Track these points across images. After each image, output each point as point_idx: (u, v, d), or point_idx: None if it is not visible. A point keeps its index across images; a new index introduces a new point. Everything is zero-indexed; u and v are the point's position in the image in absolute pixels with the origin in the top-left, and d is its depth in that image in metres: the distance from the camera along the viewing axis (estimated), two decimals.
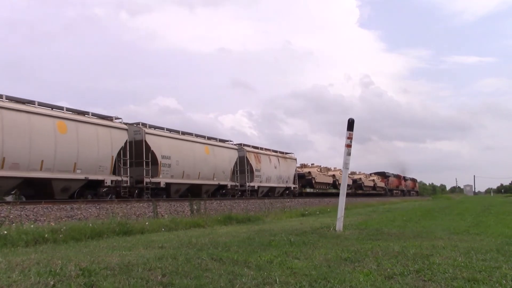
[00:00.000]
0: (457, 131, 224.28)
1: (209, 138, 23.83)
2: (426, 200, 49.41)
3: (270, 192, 29.49)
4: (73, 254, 5.33)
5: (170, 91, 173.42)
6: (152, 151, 18.66)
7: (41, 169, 13.93)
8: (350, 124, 8.40)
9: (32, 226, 8.67)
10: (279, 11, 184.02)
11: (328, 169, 41.35)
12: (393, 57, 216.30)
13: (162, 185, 19.16)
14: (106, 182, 16.34)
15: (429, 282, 3.65)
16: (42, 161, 13.91)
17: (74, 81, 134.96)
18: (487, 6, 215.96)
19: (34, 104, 14.59)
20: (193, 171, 21.15)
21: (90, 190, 16.19)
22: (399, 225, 9.74)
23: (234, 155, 25.08)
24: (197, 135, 22.80)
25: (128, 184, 17.43)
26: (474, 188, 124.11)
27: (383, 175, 56.31)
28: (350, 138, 8.41)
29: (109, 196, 16.34)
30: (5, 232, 7.50)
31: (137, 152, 18.26)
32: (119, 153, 17.11)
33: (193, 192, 21.15)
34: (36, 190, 14.47)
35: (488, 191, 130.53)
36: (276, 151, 31.15)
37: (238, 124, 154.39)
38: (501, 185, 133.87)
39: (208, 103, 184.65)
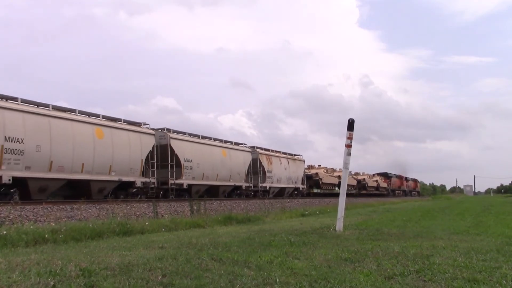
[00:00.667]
0: (457, 131, 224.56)
1: (225, 142, 25.19)
2: (426, 200, 49.43)
3: (281, 192, 30.51)
4: (73, 255, 5.33)
5: (169, 91, 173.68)
6: (176, 154, 20.17)
7: (82, 172, 15.50)
8: (350, 124, 8.40)
9: (32, 226, 8.67)
10: (278, 11, 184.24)
11: (334, 170, 42.67)
12: (393, 57, 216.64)
13: (185, 186, 20.64)
14: (136, 184, 17.79)
15: (429, 282, 3.65)
16: (83, 164, 15.47)
17: (73, 81, 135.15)
18: (487, 6, 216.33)
19: (75, 112, 16.22)
20: (211, 173, 22.73)
21: (122, 191, 17.50)
22: (399, 225, 9.74)
23: (248, 157, 26.58)
24: (215, 139, 24.31)
25: (155, 185, 18.80)
26: (474, 188, 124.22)
27: (385, 175, 57.52)
28: (350, 138, 8.41)
29: (139, 196, 17.71)
30: (5, 232, 7.51)
31: (162, 155, 19.69)
32: (147, 157, 18.58)
33: (211, 192, 22.70)
34: (76, 191, 15.69)
35: (488, 191, 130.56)
36: (285, 153, 32.34)
37: (238, 124, 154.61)
38: (501, 185, 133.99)
39: (207, 103, 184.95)
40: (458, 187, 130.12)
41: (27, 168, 13.64)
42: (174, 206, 16.32)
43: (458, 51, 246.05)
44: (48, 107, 15.16)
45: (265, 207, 19.83)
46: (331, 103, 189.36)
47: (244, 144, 27.57)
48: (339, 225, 8.22)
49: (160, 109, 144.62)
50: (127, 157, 17.47)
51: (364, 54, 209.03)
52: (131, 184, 17.21)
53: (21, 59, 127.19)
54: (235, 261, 4.57)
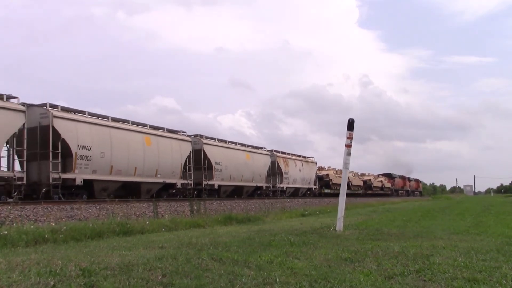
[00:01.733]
0: (457, 131, 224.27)
1: (248, 146, 27.77)
2: (426, 200, 49.48)
3: (295, 192, 32.71)
4: (73, 254, 5.34)
5: (169, 91, 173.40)
6: (208, 158, 22.62)
7: (134, 175, 17.77)
8: (350, 124, 8.40)
9: (32, 226, 8.68)
10: (278, 11, 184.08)
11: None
12: (392, 57, 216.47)
13: (215, 186, 23.11)
14: (177, 185, 20.09)
15: (429, 282, 3.65)
16: (135, 168, 17.73)
17: (73, 81, 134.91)
18: (487, 6, 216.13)
19: (128, 123, 18.61)
20: (237, 174, 25.15)
21: (164, 191, 19.60)
22: (399, 225, 9.74)
23: (268, 160, 29.04)
24: (239, 144, 26.81)
25: (192, 186, 21.02)
26: (474, 188, 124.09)
27: (389, 176, 59.12)
28: (350, 138, 8.41)
29: (178, 196, 19.80)
30: (5, 232, 7.51)
31: (196, 159, 22.04)
32: (185, 161, 20.91)
33: (236, 192, 25.14)
34: (128, 192, 17.65)
35: (488, 191, 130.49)
36: (299, 156, 34.55)
37: (237, 124, 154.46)
38: (501, 185, 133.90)
39: (206, 103, 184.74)
40: (458, 187, 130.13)
41: (94, 171, 15.90)
42: (174, 206, 16.32)
43: (458, 51, 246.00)
44: (108, 119, 17.56)
45: (265, 207, 19.83)
46: (331, 103, 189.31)
47: (264, 148, 30.03)
48: (339, 225, 8.22)
49: (159, 109, 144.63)
50: (169, 161, 19.89)
51: (364, 54, 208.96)
52: (172, 185, 19.32)
53: (21, 59, 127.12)
54: (235, 261, 4.57)
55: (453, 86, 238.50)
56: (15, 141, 14.10)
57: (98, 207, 13.59)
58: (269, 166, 28.78)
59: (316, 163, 37.29)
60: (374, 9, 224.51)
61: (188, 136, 21.59)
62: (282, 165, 30.37)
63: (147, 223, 10.32)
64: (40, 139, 14.87)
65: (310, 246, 5.82)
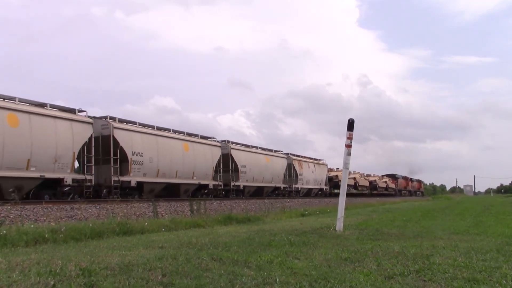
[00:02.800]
0: (457, 131, 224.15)
1: (267, 150, 30.30)
2: (426, 200, 49.52)
3: (308, 192, 35.18)
4: (73, 254, 5.33)
5: (168, 91, 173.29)
6: (235, 162, 25.31)
7: (175, 177, 20.17)
8: (350, 124, 8.39)
9: (32, 226, 8.68)
10: (277, 10, 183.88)
11: (350, 172, 45.21)
12: (392, 57, 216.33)
13: (241, 187, 25.95)
14: (209, 186, 22.84)
15: (429, 282, 3.65)
16: (176, 171, 20.15)
17: (71, 81, 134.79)
18: (487, 6, 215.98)
19: (170, 131, 21.29)
20: (259, 176, 27.83)
21: (198, 191, 21.93)
22: (399, 225, 9.75)
23: (285, 163, 31.55)
24: (260, 148, 29.26)
25: (221, 187, 23.61)
26: (474, 188, 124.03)
27: (393, 177, 61.32)
28: (350, 138, 8.41)
29: (210, 196, 21.84)
30: (5, 232, 7.51)
31: (224, 162, 24.44)
32: (216, 164, 23.59)
33: (258, 193, 27.59)
34: (168, 192, 19.90)
35: (488, 191, 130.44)
36: (312, 158, 37.14)
37: (236, 124, 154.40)
38: (501, 185, 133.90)
39: (206, 103, 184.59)
40: (458, 187, 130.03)
41: (144, 174, 18.23)
42: (174, 206, 16.32)
43: (458, 51, 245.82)
44: (153, 128, 20.06)
45: (265, 207, 19.82)
46: (330, 102, 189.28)
47: (281, 151, 32.53)
48: (339, 225, 8.22)
49: (158, 109, 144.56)
50: (204, 165, 22.56)
51: (363, 54, 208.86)
52: (205, 186, 21.70)
53: (20, 59, 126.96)
54: (235, 261, 4.57)
55: (453, 86, 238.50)
56: (85, 149, 16.47)
57: (98, 207, 13.60)
58: (286, 168, 31.30)
59: (327, 165, 39.73)
60: (374, 9, 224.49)
61: (218, 141, 24.06)
62: (297, 167, 32.75)
63: (146, 223, 10.32)
64: (102, 147, 17.43)
65: (310, 246, 5.82)
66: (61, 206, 12.85)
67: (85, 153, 16.42)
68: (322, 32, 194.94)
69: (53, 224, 9.41)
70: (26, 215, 11.22)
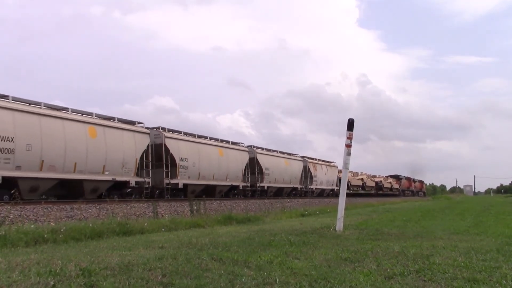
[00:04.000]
0: (457, 131, 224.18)
1: (285, 153, 32.91)
2: (426, 200, 49.58)
3: (321, 192, 37.88)
4: (73, 254, 5.33)
5: (167, 91, 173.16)
6: (260, 165, 28.24)
7: (213, 179, 22.83)
8: (350, 124, 8.39)
9: (32, 226, 8.67)
10: (276, 10, 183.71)
11: (357, 174, 50.24)
12: (392, 57, 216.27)
13: (265, 188, 28.77)
14: (240, 187, 25.63)
15: (429, 282, 3.65)
16: (214, 174, 22.72)
17: (69, 81, 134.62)
18: (487, 6, 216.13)
19: (207, 138, 23.98)
20: (280, 177, 30.62)
21: (230, 191, 24.68)
22: (399, 225, 9.74)
23: (301, 165, 34.22)
24: (280, 152, 32.04)
25: (249, 187, 26.59)
26: (474, 188, 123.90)
27: (397, 177, 63.98)
28: (350, 138, 8.40)
29: (239, 196, 24.86)
30: (5, 232, 7.51)
31: (251, 166, 27.36)
32: (245, 167, 26.36)
33: (278, 193, 30.52)
34: (207, 192, 21.80)
35: (488, 191, 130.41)
36: (324, 161, 39.77)
37: (236, 124, 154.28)
38: (501, 185, 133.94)
39: (205, 102, 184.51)
40: (458, 187, 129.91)
41: (189, 177, 20.67)
42: (174, 206, 16.33)
43: (458, 51, 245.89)
44: (194, 136, 22.77)
45: (265, 207, 19.82)
46: (330, 102, 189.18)
47: (297, 154, 35.25)
48: (339, 225, 8.22)
49: (157, 108, 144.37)
50: (235, 168, 25.46)
51: (363, 53, 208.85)
52: (236, 187, 24.13)
53: (18, 59, 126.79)
54: (235, 261, 4.57)
55: (453, 86, 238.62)
56: (144, 156, 19.07)
57: (98, 207, 13.59)
58: (302, 170, 34.09)
59: (337, 167, 42.25)
60: (374, 8, 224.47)
61: (245, 147, 26.55)
62: (312, 169, 35.53)
63: (146, 223, 10.31)
64: (155, 153, 19.94)
65: (310, 246, 5.82)
66: (61, 206, 12.85)
67: (144, 159, 19.09)
68: (321, 32, 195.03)
69: (53, 224, 9.40)
70: (26, 215, 11.22)
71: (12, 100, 14.23)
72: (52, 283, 3.47)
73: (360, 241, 6.50)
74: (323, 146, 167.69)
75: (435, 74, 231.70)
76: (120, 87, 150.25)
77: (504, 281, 3.64)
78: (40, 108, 15.10)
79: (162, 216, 13.91)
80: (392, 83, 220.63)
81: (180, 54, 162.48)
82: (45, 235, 7.74)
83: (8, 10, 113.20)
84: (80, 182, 15.84)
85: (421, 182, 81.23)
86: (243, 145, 27.29)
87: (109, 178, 16.93)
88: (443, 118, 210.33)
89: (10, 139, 13.45)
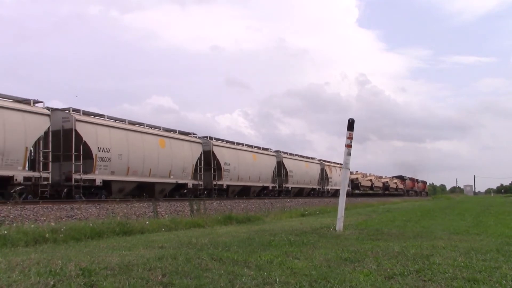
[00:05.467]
0: (457, 131, 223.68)
1: (306, 157, 35.86)
2: (426, 200, 49.69)
3: (335, 193, 38.42)
4: (73, 254, 5.34)
5: (165, 90, 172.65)
6: (285, 168, 30.78)
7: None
8: (350, 124, 8.39)
9: (32, 226, 8.68)
10: (275, 9, 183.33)
11: (366, 175, 52.86)
12: (392, 57, 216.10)
13: (290, 188, 31.35)
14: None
15: (429, 282, 3.65)
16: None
17: (67, 81, 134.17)
18: (486, 6, 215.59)
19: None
20: (301, 179, 33.39)
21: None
22: (399, 225, 9.74)
23: (319, 168, 37.16)
24: (301, 156, 34.48)
25: (277, 188, 29.82)
26: (474, 188, 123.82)
27: (401, 178, 66.54)
28: (350, 138, 8.41)
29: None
30: (5, 232, 7.51)
31: (278, 169, 30.12)
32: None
33: (300, 193, 33.23)
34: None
35: (488, 191, 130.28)
36: (338, 163, 41.19)
37: (235, 123, 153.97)
38: (501, 185, 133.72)
39: (204, 102, 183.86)
40: (458, 187, 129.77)
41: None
42: (174, 206, 16.33)
43: (457, 51, 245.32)
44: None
45: (265, 207, 19.83)
46: (329, 102, 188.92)
47: (315, 158, 38.31)
48: (339, 225, 8.22)
49: (156, 108, 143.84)
50: (266, 171, 28.29)
51: (363, 53, 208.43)
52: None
53: (14, 57, 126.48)
54: (235, 261, 4.58)
55: (452, 86, 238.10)
56: (198, 162, 22.04)
57: (98, 207, 13.59)
58: (320, 173, 36.98)
59: (349, 169, 43.21)
60: (374, 8, 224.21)
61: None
62: (327, 171, 38.60)
63: (147, 223, 10.32)
64: (204, 159, 22.43)
65: (310, 246, 5.82)
66: (61, 206, 12.84)
67: (198, 165, 21.96)
68: (321, 31, 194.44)
69: (53, 224, 9.40)
70: (26, 215, 11.22)
71: (107, 118, 17.84)
72: (52, 283, 3.47)
73: (360, 241, 6.50)
74: (323, 146, 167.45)
75: (435, 74, 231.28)
76: (118, 86, 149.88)
77: (504, 281, 3.64)
78: (126, 124, 18.56)
79: (162, 216, 13.92)
80: (392, 83, 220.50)
81: (178, 53, 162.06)
82: (45, 235, 7.74)
83: (6, 9, 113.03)
84: (153, 184, 19.17)
85: (424, 182, 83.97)
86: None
87: (173, 181, 20.41)
88: (443, 118, 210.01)
89: (108, 150, 16.73)
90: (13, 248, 6.80)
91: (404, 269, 4.09)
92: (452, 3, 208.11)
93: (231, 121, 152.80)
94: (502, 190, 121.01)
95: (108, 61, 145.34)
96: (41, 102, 15.37)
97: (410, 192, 68.95)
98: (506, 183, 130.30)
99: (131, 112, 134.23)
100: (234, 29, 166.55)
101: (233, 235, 7.75)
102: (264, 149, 29.41)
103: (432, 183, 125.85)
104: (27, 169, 14.12)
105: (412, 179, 72.23)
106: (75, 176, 15.20)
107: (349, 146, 8.42)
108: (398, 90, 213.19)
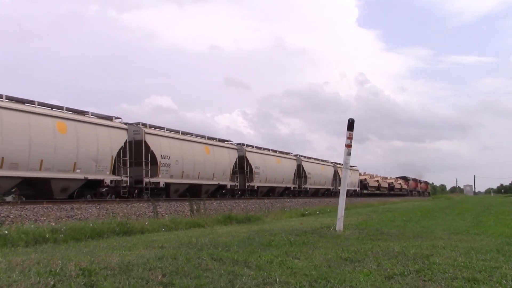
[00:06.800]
0: (457, 131, 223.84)
1: (320, 160, 38.68)
2: (426, 200, 49.71)
3: (347, 192, 39.23)
4: (73, 254, 5.34)
5: (164, 90, 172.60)
6: (304, 170, 33.28)
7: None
8: (350, 124, 8.39)
9: (32, 226, 8.67)
10: (274, 9, 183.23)
11: (373, 176, 56.21)
12: (391, 57, 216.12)
13: (308, 188, 34.07)
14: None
15: (429, 282, 3.65)
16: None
17: (67, 80, 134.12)
18: (486, 6, 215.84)
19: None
20: (317, 180, 36.04)
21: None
22: (399, 225, 9.75)
23: (332, 170, 39.83)
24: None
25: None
26: (474, 188, 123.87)
27: (405, 179, 69.69)
28: (350, 138, 8.41)
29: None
30: (5, 232, 7.51)
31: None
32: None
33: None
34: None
35: (488, 191, 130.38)
36: (350, 166, 42.08)
37: (234, 123, 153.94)
38: (501, 185, 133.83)
39: (203, 102, 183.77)
40: (458, 187, 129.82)
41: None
42: (174, 205, 16.32)
43: (457, 51, 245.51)
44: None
45: (265, 207, 19.83)
46: (328, 102, 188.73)
47: (329, 160, 40.74)
48: (339, 225, 8.22)
49: (155, 108, 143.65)
50: (288, 172, 31.01)
51: (362, 53, 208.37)
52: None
53: (14, 57, 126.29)
54: (235, 260, 4.58)
55: (452, 86, 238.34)
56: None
57: (98, 207, 13.59)
58: (333, 174, 39.80)
59: (358, 170, 47.50)
60: (373, 8, 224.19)
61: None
62: (339, 173, 39.63)
63: (147, 223, 10.32)
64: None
65: (310, 246, 5.82)
66: (61, 206, 12.84)
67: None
68: (320, 31, 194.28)
69: (53, 224, 9.40)
70: (26, 215, 11.21)
71: (166, 129, 20.59)
72: (52, 283, 3.47)
73: (360, 241, 6.50)
74: (322, 145, 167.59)
75: (435, 74, 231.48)
76: (117, 86, 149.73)
77: (504, 281, 3.64)
78: (180, 134, 21.35)
79: (162, 216, 13.92)
80: (392, 83, 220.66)
81: (177, 53, 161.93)
82: (46, 235, 7.74)
83: (4, 9, 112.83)
84: (200, 185, 21.99)
85: (426, 183, 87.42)
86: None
87: (216, 182, 23.11)
88: (443, 118, 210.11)
89: (168, 157, 19.49)
90: (13, 248, 6.80)
91: (404, 269, 4.09)
92: (452, 3, 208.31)
93: (230, 121, 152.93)
94: (502, 190, 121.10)
95: (107, 61, 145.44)
96: (120, 118, 18.35)
97: (413, 192, 71.99)
98: (506, 183, 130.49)
99: (131, 112, 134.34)
100: (233, 29, 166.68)
101: (233, 235, 7.75)
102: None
103: (432, 183, 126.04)
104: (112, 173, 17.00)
105: (415, 180, 75.49)
106: (145, 180, 18.27)
107: (349, 146, 8.42)
108: (398, 90, 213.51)
